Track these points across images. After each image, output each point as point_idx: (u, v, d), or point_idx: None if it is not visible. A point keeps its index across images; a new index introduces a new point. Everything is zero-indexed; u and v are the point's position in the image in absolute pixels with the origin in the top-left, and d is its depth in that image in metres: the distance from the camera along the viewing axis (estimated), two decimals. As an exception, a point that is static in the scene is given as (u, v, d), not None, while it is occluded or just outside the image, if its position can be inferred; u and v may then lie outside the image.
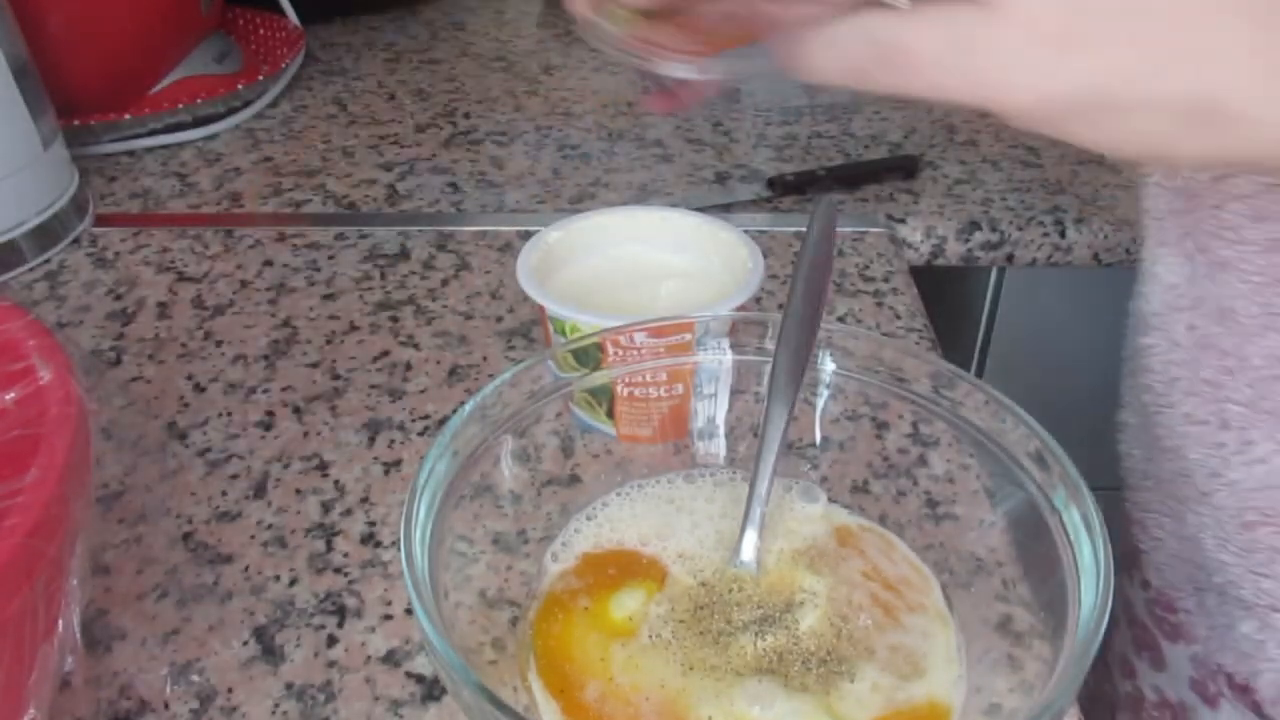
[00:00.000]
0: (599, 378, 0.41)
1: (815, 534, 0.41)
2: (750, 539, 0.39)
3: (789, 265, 0.65)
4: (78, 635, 0.31)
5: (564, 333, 0.47)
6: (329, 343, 0.58)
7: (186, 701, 0.38)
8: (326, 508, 0.47)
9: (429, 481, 0.34)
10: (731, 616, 0.37)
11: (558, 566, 0.39)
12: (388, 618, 0.42)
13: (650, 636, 0.36)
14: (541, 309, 0.48)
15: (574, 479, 0.42)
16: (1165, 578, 0.54)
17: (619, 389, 0.43)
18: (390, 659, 0.40)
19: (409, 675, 0.39)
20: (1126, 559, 0.61)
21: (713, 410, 0.43)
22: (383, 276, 0.64)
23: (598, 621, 0.37)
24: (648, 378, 0.43)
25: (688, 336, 0.42)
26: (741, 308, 0.46)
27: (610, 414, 0.44)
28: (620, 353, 0.41)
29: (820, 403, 0.42)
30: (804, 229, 0.40)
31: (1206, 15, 0.25)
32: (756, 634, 0.36)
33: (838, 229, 0.39)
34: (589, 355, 0.41)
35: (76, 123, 0.76)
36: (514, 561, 0.39)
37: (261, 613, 0.42)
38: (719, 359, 0.42)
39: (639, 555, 0.39)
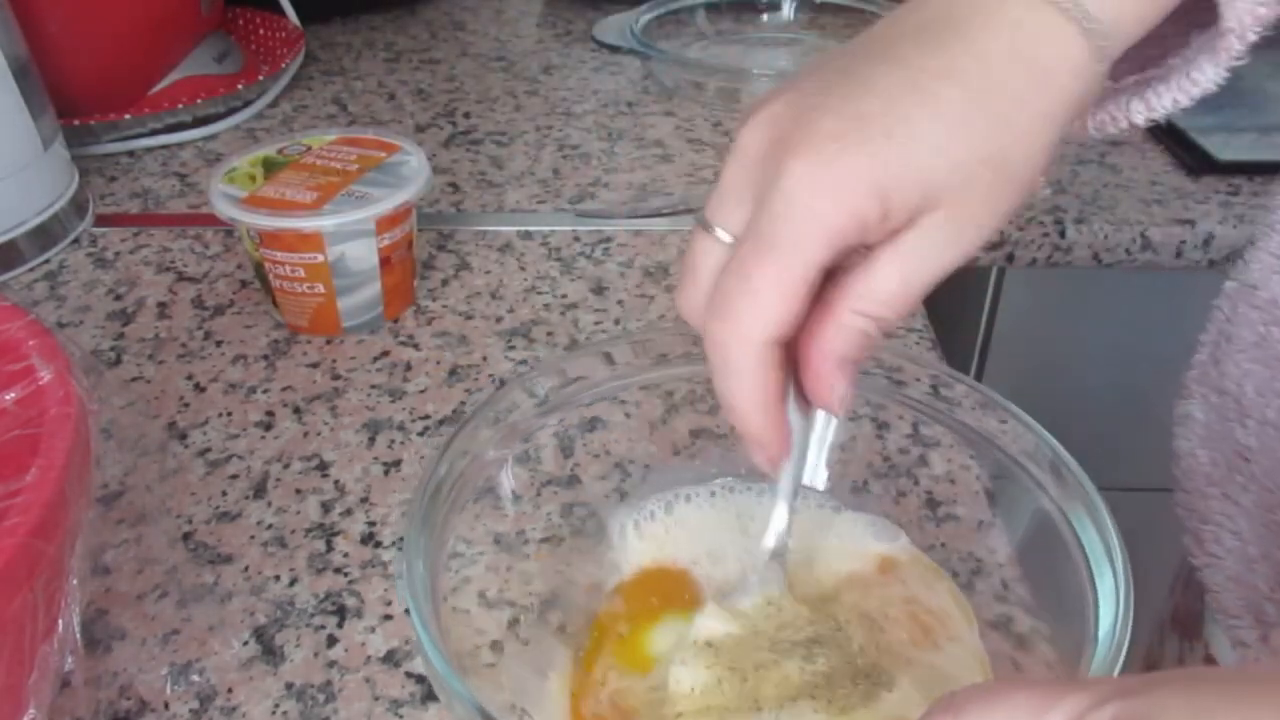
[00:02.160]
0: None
1: (863, 565, 0.39)
2: (776, 568, 0.37)
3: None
4: (78, 635, 0.31)
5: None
6: (329, 343, 0.58)
7: (186, 701, 0.38)
8: (326, 508, 0.47)
9: (429, 497, 0.34)
10: (768, 647, 0.35)
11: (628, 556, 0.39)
12: (388, 618, 0.42)
13: (684, 683, 0.34)
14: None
15: (573, 479, 0.42)
16: (1222, 603, 0.48)
17: (272, 280, 0.56)
18: (390, 659, 0.40)
19: (409, 675, 0.39)
20: (1188, 621, 0.55)
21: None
22: (383, 276, 0.64)
23: (631, 654, 0.36)
24: (287, 271, 0.55)
25: (310, 226, 0.53)
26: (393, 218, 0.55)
27: (276, 304, 0.58)
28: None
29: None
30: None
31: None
32: (804, 658, 0.34)
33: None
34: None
35: (76, 123, 0.76)
36: (514, 562, 0.39)
37: (261, 613, 0.42)
38: None
39: (685, 579, 0.38)
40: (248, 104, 0.85)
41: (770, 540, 0.36)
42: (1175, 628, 0.57)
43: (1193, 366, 0.50)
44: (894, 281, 0.30)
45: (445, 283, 0.63)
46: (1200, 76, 0.33)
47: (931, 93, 0.29)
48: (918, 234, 0.29)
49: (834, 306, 0.30)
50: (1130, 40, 0.31)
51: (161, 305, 0.61)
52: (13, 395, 0.33)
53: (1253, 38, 0.31)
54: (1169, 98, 0.34)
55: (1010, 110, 0.29)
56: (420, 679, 0.39)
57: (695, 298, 0.31)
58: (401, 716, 0.38)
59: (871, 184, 0.28)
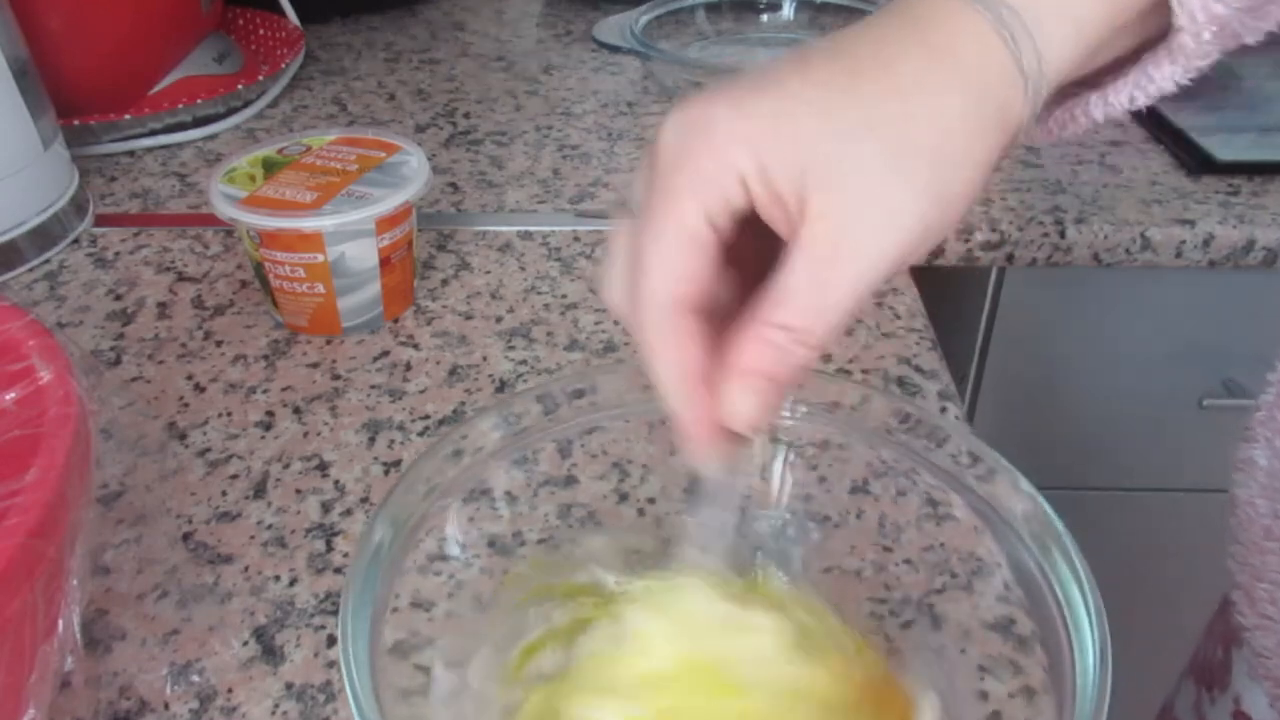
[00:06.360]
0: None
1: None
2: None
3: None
4: (78, 635, 0.31)
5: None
6: (329, 343, 0.58)
7: (186, 701, 0.38)
8: (326, 508, 0.47)
9: (371, 562, 0.32)
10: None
11: None
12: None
13: None
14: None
15: (570, 479, 0.42)
16: (1270, 669, 0.45)
17: (272, 280, 0.56)
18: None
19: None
20: (1208, 670, 0.52)
21: None
22: (383, 276, 0.64)
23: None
24: (287, 271, 0.55)
25: (310, 226, 0.53)
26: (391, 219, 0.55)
27: (275, 305, 0.58)
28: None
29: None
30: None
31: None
32: None
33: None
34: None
35: (76, 123, 0.76)
36: (510, 564, 0.39)
37: (261, 613, 0.42)
38: None
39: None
40: (248, 104, 0.85)
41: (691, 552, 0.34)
42: (1192, 674, 0.55)
43: (1259, 408, 0.47)
44: (802, 280, 0.28)
45: (445, 283, 0.63)
46: (1158, 74, 0.32)
47: (815, 66, 0.28)
48: (812, 224, 0.27)
49: (750, 317, 0.29)
50: (1075, 56, 0.30)
51: (161, 305, 0.61)
52: (13, 395, 0.33)
53: (1208, 38, 0.30)
54: (1126, 94, 0.33)
55: (913, 93, 0.28)
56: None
57: (616, 279, 0.30)
58: (401, 716, 0.38)
59: (743, 135, 0.27)
